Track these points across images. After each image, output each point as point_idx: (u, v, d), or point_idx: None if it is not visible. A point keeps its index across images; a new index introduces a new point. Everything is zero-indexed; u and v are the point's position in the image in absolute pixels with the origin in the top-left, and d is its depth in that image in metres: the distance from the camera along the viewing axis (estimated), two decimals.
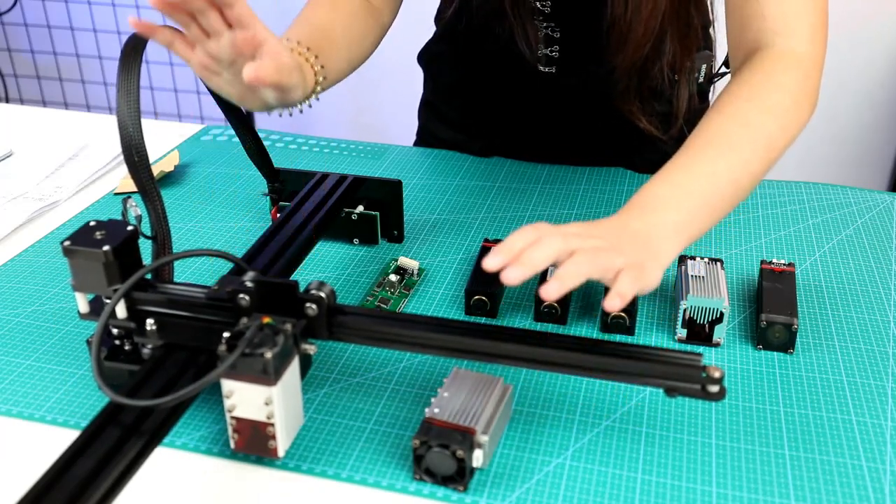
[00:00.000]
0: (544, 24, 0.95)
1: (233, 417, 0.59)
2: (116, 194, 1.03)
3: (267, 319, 0.59)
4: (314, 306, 0.60)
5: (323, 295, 0.60)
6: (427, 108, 1.19)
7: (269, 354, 0.56)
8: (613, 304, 0.57)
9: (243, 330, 0.58)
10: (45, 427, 0.67)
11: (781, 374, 0.72)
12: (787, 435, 0.65)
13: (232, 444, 0.61)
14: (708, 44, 1.01)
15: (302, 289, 0.61)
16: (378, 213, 0.89)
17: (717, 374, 0.57)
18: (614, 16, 0.80)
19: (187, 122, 1.20)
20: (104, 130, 1.22)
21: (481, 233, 0.93)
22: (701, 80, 1.01)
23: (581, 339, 0.60)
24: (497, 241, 0.85)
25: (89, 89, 2.71)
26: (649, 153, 1.05)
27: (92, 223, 0.63)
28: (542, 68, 0.98)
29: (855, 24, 2.15)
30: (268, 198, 0.92)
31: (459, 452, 0.58)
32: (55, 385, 0.71)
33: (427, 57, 1.14)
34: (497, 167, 1.08)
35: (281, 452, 0.60)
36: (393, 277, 0.83)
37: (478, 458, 0.59)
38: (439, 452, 0.59)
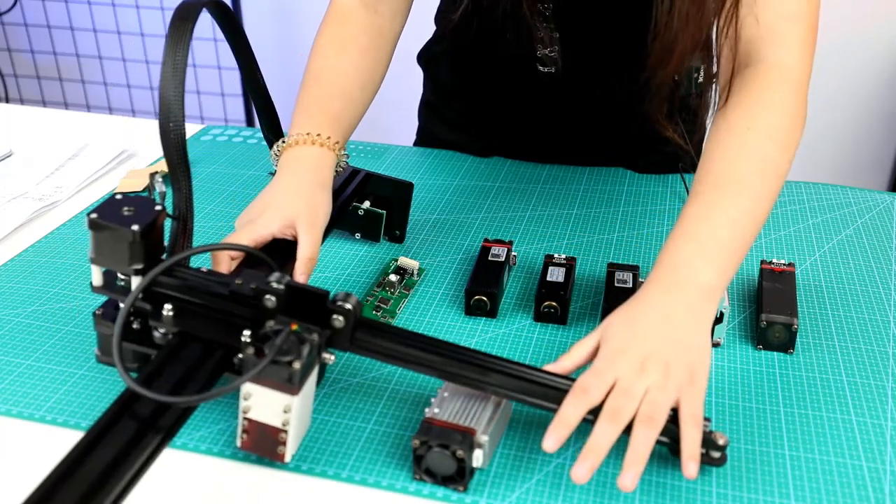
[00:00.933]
0: (544, 25, 0.95)
1: (246, 418, 0.59)
2: (116, 194, 1.03)
3: (295, 327, 0.58)
4: (341, 318, 0.60)
5: (350, 307, 0.60)
6: (427, 109, 1.19)
7: (297, 365, 0.55)
8: (692, 471, 0.56)
9: (269, 333, 0.57)
10: (45, 427, 0.67)
11: (781, 374, 0.72)
12: (787, 435, 0.65)
13: (238, 443, 0.61)
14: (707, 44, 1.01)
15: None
16: (385, 212, 0.89)
17: (720, 441, 0.58)
18: (658, 28, 0.79)
19: (187, 122, 1.20)
20: (104, 130, 1.22)
21: (481, 233, 0.93)
22: (701, 79, 1.01)
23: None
24: (497, 241, 0.85)
25: (89, 89, 2.71)
26: (651, 154, 1.05)
27: (118, 196, 0.62)
28: (540, 68, 0.98)
29: (855, 24, 2.16)
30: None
31: (459, 452, 0.58)
32: (55, 385, 0.71)
33: (427, 57, 1.14)
34: (497, 167, 1.08)
35: (288, 458, 0.60)
36: (393, 277, 0.83)
37: (478, 458, 0.59)
38: (439, 452, 0.59)
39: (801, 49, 0.75)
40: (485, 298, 0.78)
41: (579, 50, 0.96)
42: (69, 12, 2.58)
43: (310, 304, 0.60)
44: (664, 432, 0.58)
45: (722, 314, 0.73)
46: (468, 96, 1.10)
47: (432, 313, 0.80)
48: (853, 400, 0.69)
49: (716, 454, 0.59)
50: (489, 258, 0.83)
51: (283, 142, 0.79)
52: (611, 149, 1.07)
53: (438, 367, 0.61)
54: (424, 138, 1.20)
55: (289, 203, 0.73)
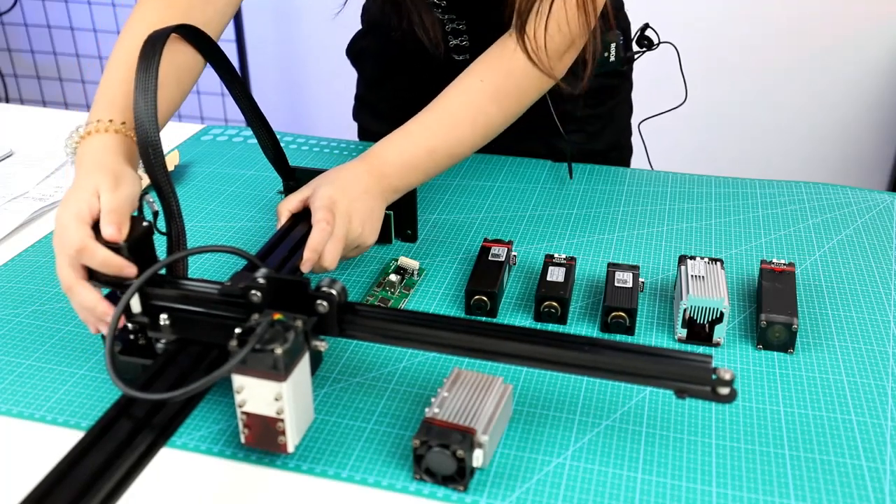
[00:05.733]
0: (446, 16, 0.97)
1: (243, 412, 0.60)
2: None
3: (278, 316, 0.59)
4: (325, 303, 0.60)
5: (334, 292, 0.61)
6: (359, 103, 1.21)
7: (279, 350, 0.56)
8: (304, 265, 0.71)
9: (254, 326, 0.58)
10: (45, 427, 0.67)
11: (781, 374, 0.72)
12: (787, 435, 0.65)
13: (242, 439, 0.61)
14: (619, 24, 1.05)
15: (313, 286, 0.61)
16: (392, 213, 0.89)
17: (727, 377, 0.56)
18: None
19: (187, 122, 1.20)
20: None
21: (481, 233, 0.93)
22: (612, 59, 1.01)
23: (593, 339, 0.60)
24: (497, 241, 0.85)
25: (89, 89, 2.70)
26: (572, 133, 1.08)
27: None
28: (455, 56, 0.98)
29: (855, 24, 2.16)
30: (282, 196, 0.92)
31: (459, 452, 0.58)
32: (55, 385, 0.71)
33: (354, 52, 1.16)
34: (497, 167, 1.08)
35: (290, 448, 0.60)
36: (393, 277, 0.83)
37: (478, 457, 0.59)
38: (439, 452, 0.59)
39: (553, 29, 0.81)
40: (485, 298, 0.78)
41: (485, 36, 0.95)
42: (69, 12, 2.58)
43: (293, 293, 0.61)
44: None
45: (722, 314, 0.73)
46: (394, 87, 1.12)
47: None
48: (853, 400, 0.69)
49: (724, 390, 0.57)
50: (489, 258, 0.83)
51: (80, 129, 0.72)
52: (534, 133, 1.06)
53: (435, 341, 0.61)
54: (361, 136, 1.22)
55: (85, 183, 0.66)
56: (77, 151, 0.72)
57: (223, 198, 1.02)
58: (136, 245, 0.63)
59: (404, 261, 0.85)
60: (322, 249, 0.73)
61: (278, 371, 0.57)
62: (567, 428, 0.66)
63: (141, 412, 0.57)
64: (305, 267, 0.72)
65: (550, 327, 0.78)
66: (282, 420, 0.59)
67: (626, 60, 1.06)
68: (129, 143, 0.71)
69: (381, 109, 1.16)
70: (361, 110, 1.21)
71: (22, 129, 1.23)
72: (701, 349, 0.74)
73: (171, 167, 1.07)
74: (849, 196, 1.01)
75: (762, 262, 0.82)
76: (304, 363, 0.60)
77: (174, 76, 0.79)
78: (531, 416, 0.67)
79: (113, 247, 0.63)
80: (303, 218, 0.78)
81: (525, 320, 0.79)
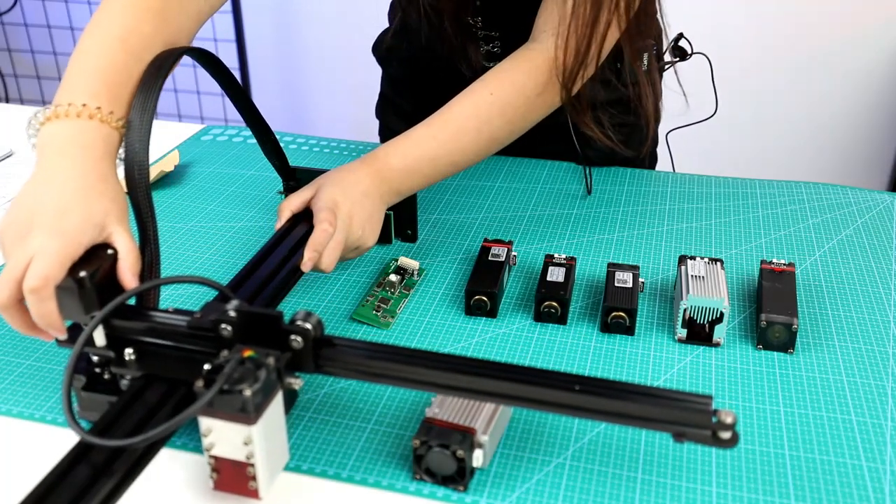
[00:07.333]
0: (481, 32, 0.98)
1: (211, 456, 0.57)
2: None
3: (248, 352, 0.55)
4: (299, 339, 0.56)
5: (309, 327, 0.56)
6: (383, 101, 1.20)
7: (248, 392, 0.52)
8: (304, 264, 0.72)
9: (223, 363, 0.54)
10: (45, 427, 0.67)
11: (781, 374, 0.72)
12: (787, 435, 0.65)
13: (211, 484, 0.58)
14: (651, 31, 1.04)
15: (287, 319, 0.58)
16: (392, 213, 0.89)
17: (728, 420, 0.53)
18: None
19: (187, 122, 1.20)
20: None
21: (481, 233, 0.93)
22: (644, 67, 1.01)
23: (584, 378, 0.56)
24: (497, 241, 0.85)
25: None
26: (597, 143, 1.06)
27: None
28: (486, 63, 0.98)
29: (855, 24, 2.16)
30: (282, 196, 0.92)
31: (460, 452, 0.58)
32: (55, 385, 0.71)
33: (380, 50, 1.16)
34: (497, 167, 1.08)
35: (262, 493, 0.57)
36: (393, 277, 0.83)
37: (478, 458, 0.59)
38: (439, 452, 0.59)
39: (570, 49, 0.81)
40: (485, 298, 0.78)
41: (518, 43, 0.95)
42: (69, 12, 2.58)
43: (265, 328, 0.57)
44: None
45: (722, 314, 0.73)
46: (419, 89, 1.11)
47: (432, 313, 0.80)
48: (853, 400, 0.69)
49: (726, 434, 0.53)
50: (489, 258, 0.83)
51: (46, 109, 0.65)
52: (562, 141, 1.06)
53: (415, 378, 0.57)
54: (383, 134, 1.21)
55: (88, 200, 0.61)
56: (48, 130, 0.64)
57: (223, 198, 1.02)
58: (104, 275, 0.59)
59: (404, 261, 0.85)
60: (323, 250, 0.73)
61: (247, 413, 0.53)
62: (567, 428, 0.66)
63: (100, 458, 0.53)
64: (306, 266, 0.72)
65: (550, 327, 0.78)
66: (252, 465, 0.56)
67: (658, 70, 1.05)
68: (115, 138, 0.65)
69: (405, 109, 1.15)
70: (385, 109, 1.20)
71: (22, 129, 1.23)
72: (701, 350, 0.74)
73: (171, 167, 1.07)
74: (849, 196, 1.01)
75: (762, 262, 0.82)
76: (277, 403, 0.56)
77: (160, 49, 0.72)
78: (531, 416, 0.67)
79: (77, 277, 0.58)
80: (303, 218, 0.78)
81: (525, 320, 0.79)
